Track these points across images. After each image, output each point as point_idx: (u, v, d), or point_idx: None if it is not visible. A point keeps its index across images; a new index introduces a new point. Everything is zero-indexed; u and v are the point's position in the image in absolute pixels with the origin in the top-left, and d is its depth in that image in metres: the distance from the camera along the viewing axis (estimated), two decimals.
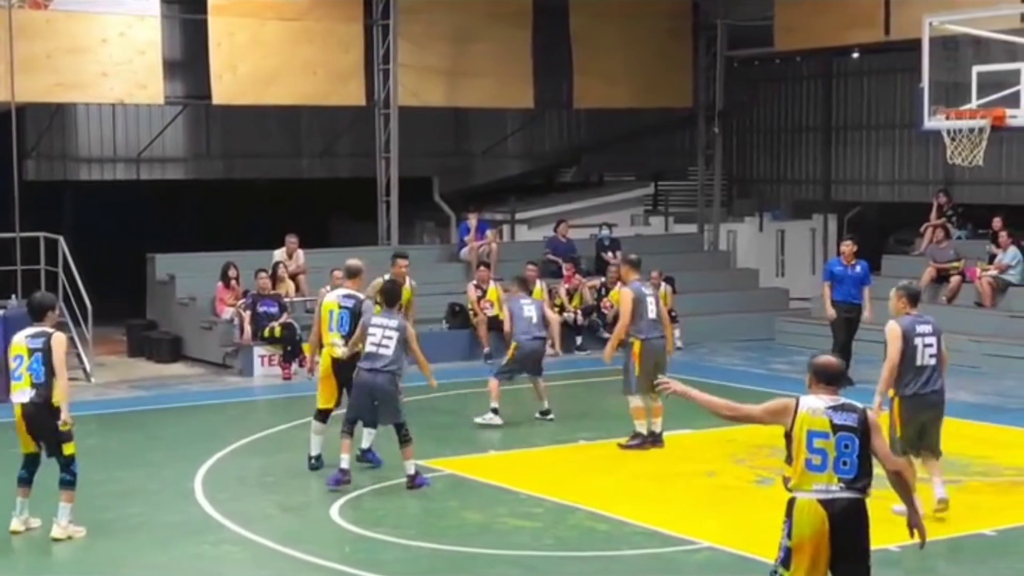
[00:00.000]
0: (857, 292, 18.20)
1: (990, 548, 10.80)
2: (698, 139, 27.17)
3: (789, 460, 7.49)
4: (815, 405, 7.46)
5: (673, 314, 22.12)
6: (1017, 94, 15.33)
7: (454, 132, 26.71)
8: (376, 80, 23.09)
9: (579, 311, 22.04)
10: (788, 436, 7.45)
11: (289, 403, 18.02)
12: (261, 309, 20.01)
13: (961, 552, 10.66)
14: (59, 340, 11.01)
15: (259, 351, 19.92)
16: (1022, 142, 22.95)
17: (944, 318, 21.10)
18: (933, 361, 11.35)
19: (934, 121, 16.04)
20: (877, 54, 24.97)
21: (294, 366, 19.61)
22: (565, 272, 22.57)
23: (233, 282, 20.70)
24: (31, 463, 11.17)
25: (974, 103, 15.64)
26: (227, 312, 20.50)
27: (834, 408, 7.42)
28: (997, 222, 22.12)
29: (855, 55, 25.92)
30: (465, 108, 25.16)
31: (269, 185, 26.34)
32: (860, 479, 7.40)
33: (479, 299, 21.25)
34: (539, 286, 21.37)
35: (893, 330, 11.27)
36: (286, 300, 20.52)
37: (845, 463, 7.37)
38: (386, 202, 23.40)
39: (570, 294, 22.34)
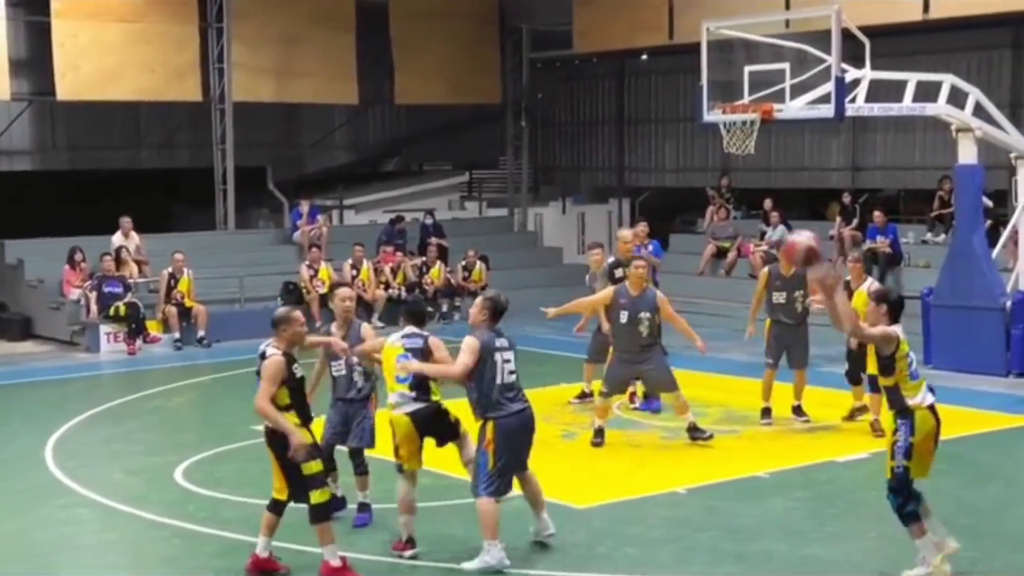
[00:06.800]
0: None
1: (765, 488, 11.06)
2: (507, 132, 27.31)
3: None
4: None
5: (486, 289, 22.25)
6: (783, 91, 15.69)
7: (285, 126, 26.33)
8: (212, 77, 22.71)
9: (403, 287, 21.95)
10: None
11: (133, 377, 17.60)
12: (106, 289, 19.47)
13: (742, 493, 10.88)
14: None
15: (105, 329, 19.37)
16: (788, 133, 23.57)
17: (722, 289, 21.92)
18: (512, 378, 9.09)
19: (712, 115, 16.28)
20: (663, 56, 25.33)
21: (138, 342, 19.21)
22: (389, 252, 22.45)
23: (80, 265, 20.14)
24: None
25: (746, 99, 15.94)
26: (74, 293, 19.94)
27: None
28: (768, 203, 22.74)
29: (644, 57, 26.27)
30: (295, 104, 24.83)
31: (112, 175, 25.63)
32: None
33: (311, 278, 20.99)
34: (366, 265, 21.36)
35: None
36: (130, 281, 20.01)
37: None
38: (223, 190, 23.07)
39: (394, 272, 22.24)
